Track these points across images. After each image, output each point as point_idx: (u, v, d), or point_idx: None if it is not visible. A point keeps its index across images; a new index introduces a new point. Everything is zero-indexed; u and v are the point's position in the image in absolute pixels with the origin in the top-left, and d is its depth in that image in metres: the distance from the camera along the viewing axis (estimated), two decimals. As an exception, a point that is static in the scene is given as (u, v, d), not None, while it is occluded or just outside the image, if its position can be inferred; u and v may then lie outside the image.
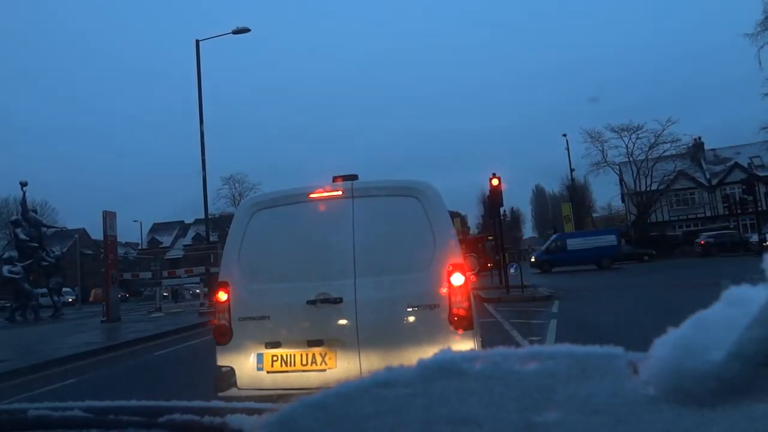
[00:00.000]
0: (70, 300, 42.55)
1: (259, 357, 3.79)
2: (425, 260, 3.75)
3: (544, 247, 36.64)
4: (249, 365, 3.80)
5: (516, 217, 76.85)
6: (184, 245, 67.40)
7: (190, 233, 68.30)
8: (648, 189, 42.99)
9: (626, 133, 43.06)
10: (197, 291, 34.39)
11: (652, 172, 42.50)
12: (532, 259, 36.73)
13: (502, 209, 21.36)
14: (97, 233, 34.40)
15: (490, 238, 25.63)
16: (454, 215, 40.44)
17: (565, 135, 47.82)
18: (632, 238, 41.41)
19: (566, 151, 47.98)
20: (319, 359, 3.72)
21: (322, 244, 3.90)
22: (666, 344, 0.45)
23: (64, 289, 27.75)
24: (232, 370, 3.82)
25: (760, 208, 33.79)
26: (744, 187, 31.89)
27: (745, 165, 45.19)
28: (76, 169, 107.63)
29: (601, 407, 0.43)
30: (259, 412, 0.72)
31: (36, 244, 22.50)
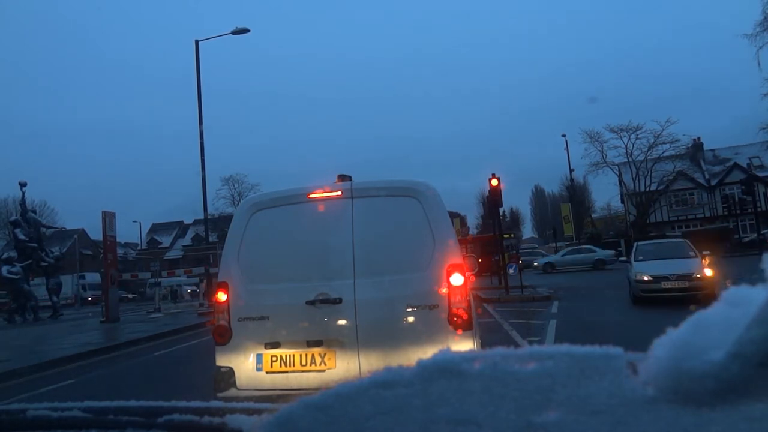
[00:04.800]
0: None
1: (259, 357, 3.79)
2: (424, 260, 3.75)
3: None
4: (248, 365, 3.80)
5: (515, 218, 76.91)
6: (184, 246, 67.36)
7: (190, 233, 68.22)
8: (647, 189, 42.97)
9: (625, 133, 43.05)
10: (189, 290, 34.34)
11: (651, 173, 42.51)
12: None
13: (501, 209, 21.38)
14: (96, 233, 34.44)
15: (510, 235, 25.25)
16: (453, 215, 40.47)
17: (564, 135, 47.90)
18: (632, 239, 41.42)
19: (565, 152, 48.06)
20: (318, 359, 3.72)
21: (322, 244, 3.90)
22: (665, 344, 0.45)
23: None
24: (231, 371, 3.82)
25: (759, 209, 33.80)
26: (743, 187, 31.90)
27: (745, 165, 45.18)
28: (76, 170, 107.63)
29: (600, 407, 0.43)
30: (259, 412, 0.72)
31: (35, 245, 22.45)
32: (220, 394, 3.76)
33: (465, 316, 3.67)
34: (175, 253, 66.26)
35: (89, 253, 59.23)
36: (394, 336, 3.68)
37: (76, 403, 0.88)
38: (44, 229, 26.82)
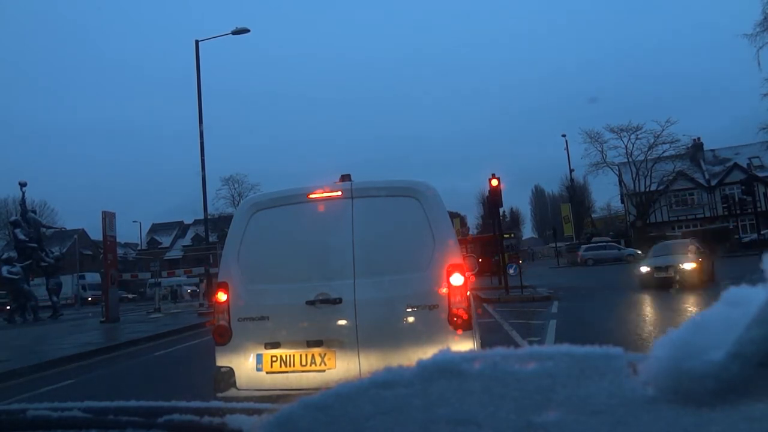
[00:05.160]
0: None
1: (259, 357, 3.79)
2: (424, 260, 3.75)
3: None
4: (248, 366, 3.80)
5: (515, 218, 76.95)
6: (184, 246, 67.35)
7: (190, 234, 68.21)
8: (647, 189, 43.01)
9: (625, 133, 43.14)
10: (189, 290, 34.44)
11: (651, 173, 42.54)
12: None
13: (501, 209, 21.38)
14: (96, 233, 34.48)
15: (510, 235, 25.50)
16: (453, 215, 40.49)
17: (564, 135, 47.98)
18: (632, 239, 41.44)
19: (565, 152, 48.14)
20: (318, 360, 3.72)
21: (322, 244, 3.90)
22: (665, 344, 0.45)
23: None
24: (231, 371, 3.82)
25: (759, 209, 33.80)
26: (743, 187, 31.91)
27: (744, 165, 45.17)
28: (76, 170, 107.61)
29: (600, 407, 0.43)
30: (259, 412, 0.72)
31: (35, 245, 22.45)
32: (220, 394, 3.76)
33: (465, 316, 3.67)
34: (175, 253, 66.25)
35: (89, 253, 59.22)
36: (394, 336, 3.68)
37: (76, 403, 0.88)
38: (44, 229, 26.81)
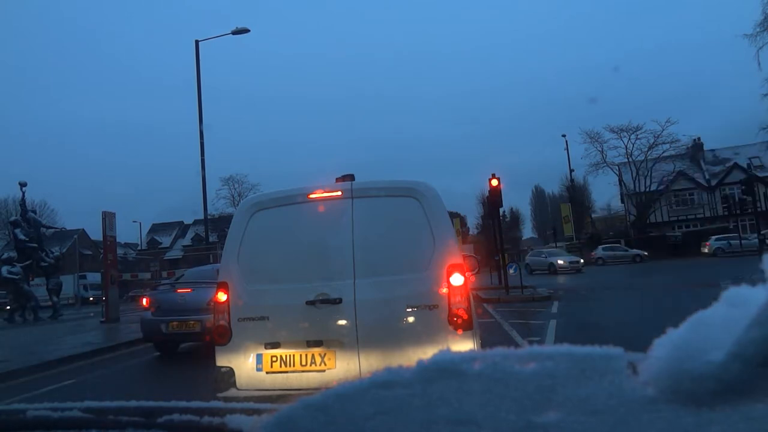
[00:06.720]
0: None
1: (259, 357, 3.79)
2: (424, 261, 3.75)
3: None
4: (248, 366, 3.80)
5: (515, 218, 76.95)
6: (184, 246, 67.31)
7: (190, 234, 68.18)
8: (647, 189, 43.05)
9: (625, 133, 43.26)
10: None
11: (651, 173, 42.59)
12: None
13: (501, 210, 21.37)
14: (96, 234, 34.48)
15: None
16: (453, 216, 40.51)
17: (564, 135, 48.00)
18: (632, 239, 41.45)
19: (566, 152, 48.18)
20: (318, 360, 3.72)
21: (322, 244, 3.90)
22: (665, 345, 0.45)
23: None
24: (231, 371, 3.82)
25: (759, 209, 33.78)
26: (743, 187, 31.88)
27: (744, 165, 45.14)
28: (76, 170, 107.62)
29: (600, 408, 0.43)
30: (258, 412, 0.72)
31: (35, 245, 22.46)
32: (220, 395, 3.76)
33: (465, 316, 3.67)
34: (175, 254, 66.23)
35: (89, 253, 59.23)
36: (394, 336, 3.68)
37: (76, 403, 0.88)
38: (44, 230, 26.79)
